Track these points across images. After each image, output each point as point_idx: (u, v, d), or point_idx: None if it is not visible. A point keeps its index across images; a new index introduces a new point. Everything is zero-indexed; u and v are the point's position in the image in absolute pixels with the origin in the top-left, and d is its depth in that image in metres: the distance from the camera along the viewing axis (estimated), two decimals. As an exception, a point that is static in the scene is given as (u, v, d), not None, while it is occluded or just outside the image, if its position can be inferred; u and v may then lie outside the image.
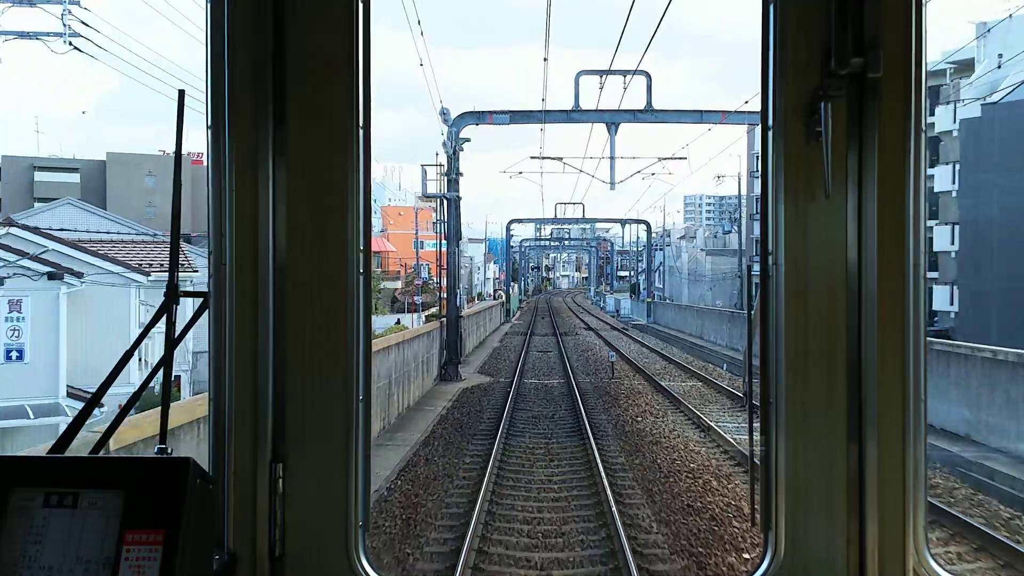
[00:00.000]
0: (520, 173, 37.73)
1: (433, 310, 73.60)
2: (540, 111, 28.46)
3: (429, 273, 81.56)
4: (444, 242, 29.66)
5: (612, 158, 29.25)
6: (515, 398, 23.33)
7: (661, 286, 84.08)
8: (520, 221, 67.21)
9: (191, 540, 1.68)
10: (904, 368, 2.03)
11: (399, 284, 71.37)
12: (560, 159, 32.14)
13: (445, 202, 29.36)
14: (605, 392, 25.11)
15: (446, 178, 29.07)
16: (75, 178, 77.71)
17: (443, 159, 29.35)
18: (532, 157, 32.49)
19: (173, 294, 2.10)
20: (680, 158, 33.12)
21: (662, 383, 26.38)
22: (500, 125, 28.83)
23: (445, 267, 29.74)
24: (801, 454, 2.07)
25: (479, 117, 28.99)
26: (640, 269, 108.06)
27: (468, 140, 29.27)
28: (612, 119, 28.80)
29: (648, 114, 28.69)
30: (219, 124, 2.06)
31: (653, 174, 33.47)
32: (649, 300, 62.96)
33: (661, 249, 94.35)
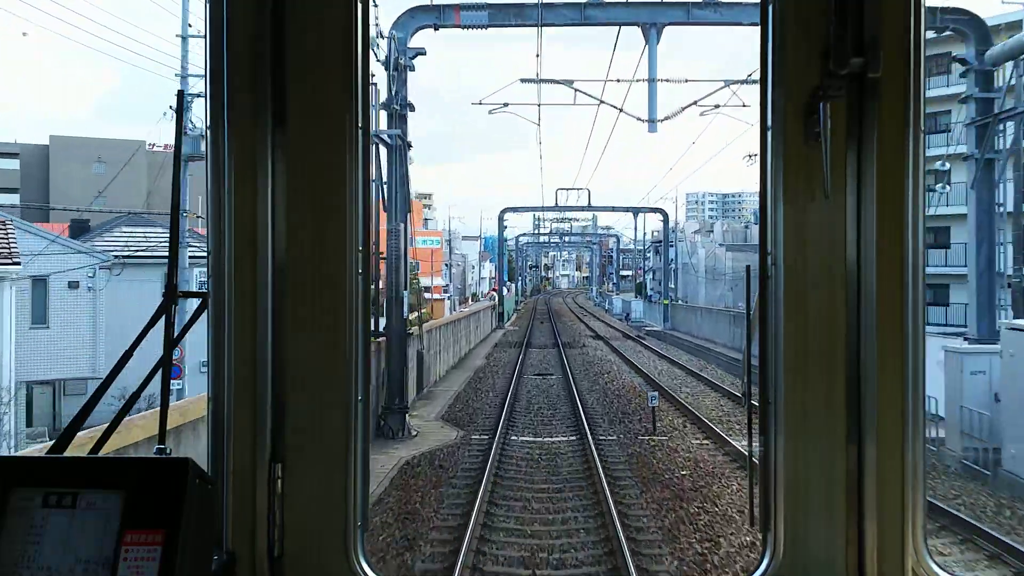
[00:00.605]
0: (505, 106, 24.69)
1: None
2: (536, 2, 16.95)
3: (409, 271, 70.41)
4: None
5: (652, 80, 17.77)
6: (490, 489, 11.95)
7: (674, 285, 72.87)
8: (515, 210, 55.85)
9: (190, 540, 1.66)
10: (903, 368, 1.99)
11: (381, 284, 60.32)
12: (570, 83, 20.54)
13: (384, 148, 17.78)
14: (649, 469, 13.79)
15: (385, 112, 17.54)
16: (14, 164, 66.15)
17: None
18: (523, 80, 20.95)
19: (172, 294, 2.09)
20: (755, 81, 21.49)
21: (735, 444, 14.99)
22: (475, 29, 17.31)
23: (383, 253, 18.23)
24: (800, 454, 2.03)
25: (440, 15, 17.54)
26: (648, 267, 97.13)
27: (422, 52, 17.81)
28: (652, 17, 17.34)
29: (708, 9, 17.21)
30: (218, 124, 2.02)
31: (717, 106, 21.84)
32: (667, 302, 51.73)
33: (673, 245, 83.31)
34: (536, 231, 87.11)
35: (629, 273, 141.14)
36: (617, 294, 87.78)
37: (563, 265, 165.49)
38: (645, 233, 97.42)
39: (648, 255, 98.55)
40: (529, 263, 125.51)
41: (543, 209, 54.84)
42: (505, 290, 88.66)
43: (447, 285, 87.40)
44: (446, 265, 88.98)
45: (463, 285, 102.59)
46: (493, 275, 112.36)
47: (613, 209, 54.83)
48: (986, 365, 14.22)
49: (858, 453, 2.01)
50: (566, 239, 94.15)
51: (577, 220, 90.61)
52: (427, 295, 73.87)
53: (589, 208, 51.79)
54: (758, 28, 2.04)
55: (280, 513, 2.03)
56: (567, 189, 53.45)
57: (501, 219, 54.53)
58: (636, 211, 55.84)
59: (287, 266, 2.04)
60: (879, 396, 1.98)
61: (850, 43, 1.91)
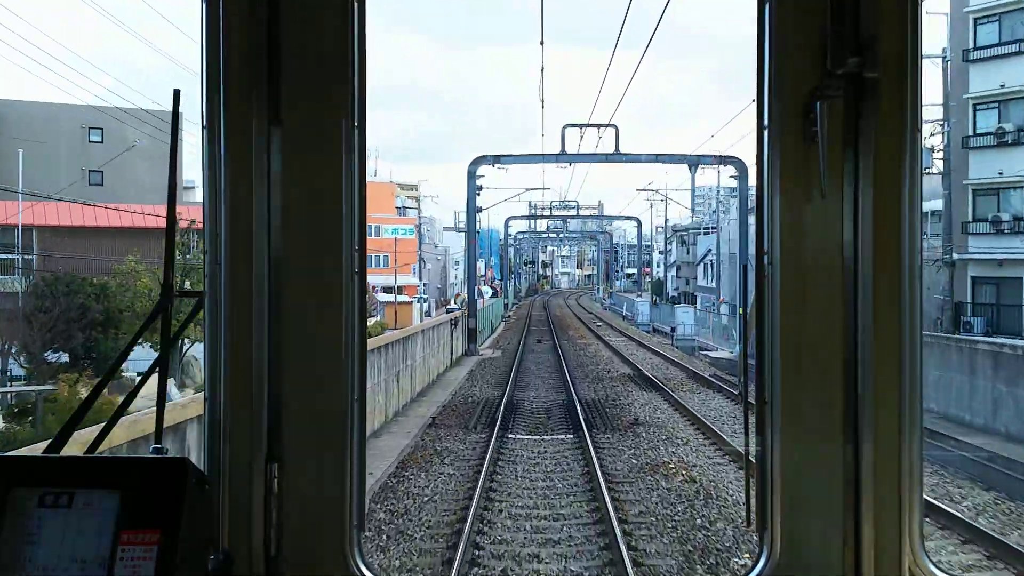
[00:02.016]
0: None
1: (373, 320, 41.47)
2: None
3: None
4: None
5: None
6: None
7: (714, 284, 52.11)
8: (497, 161, 32.99)
9: (187, 540, 1.66)
10: (900, 367, 1.96)
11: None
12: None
13: None
14: None
15: None
16: None
17: None
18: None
19: (168, 293, 2.04)
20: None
21: None
22: None
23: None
24: (797, 453, 2.00)
25: None
26: (672, 261, 75.45)
27: None
28: None
29: None
30: (214, 123, 1.98)
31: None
32: (744, 311, 28.83)
33: (705, 231, 62.01)
34: (532, 214, 64.21)
35: (635, 271, 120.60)
36: (637, 295, 64.96)
37: (562, 262, 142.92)
38: (665, 221, 74.89)
39: (670, 246, 76.61)
40: (525, 259, 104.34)
41: (543, 160, 32.07)
42: (489, 289, 65.87)
43: (424, 284, 65.93)
44: (422, 259, 67.42)
45: (444, 284, 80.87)
46: (483, 272, 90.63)
47: (656, 159, 32.08)
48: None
49: (855, 452, 1.98)
50: (568, 226, 71.25)
51: (575, 201, 67.44)
52: (389, 296, 52.64)
53: (615, 158, 28.99)
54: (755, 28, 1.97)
55: (276, 513, 1.98)
56: (580, 126, 30.79)
57: (473, 176, 31.68)
58: (695, 162, 33.27)
59: (283, 265, 2.00)
60: (875, 395, 1.96)
61: (847, 43, 1.89)
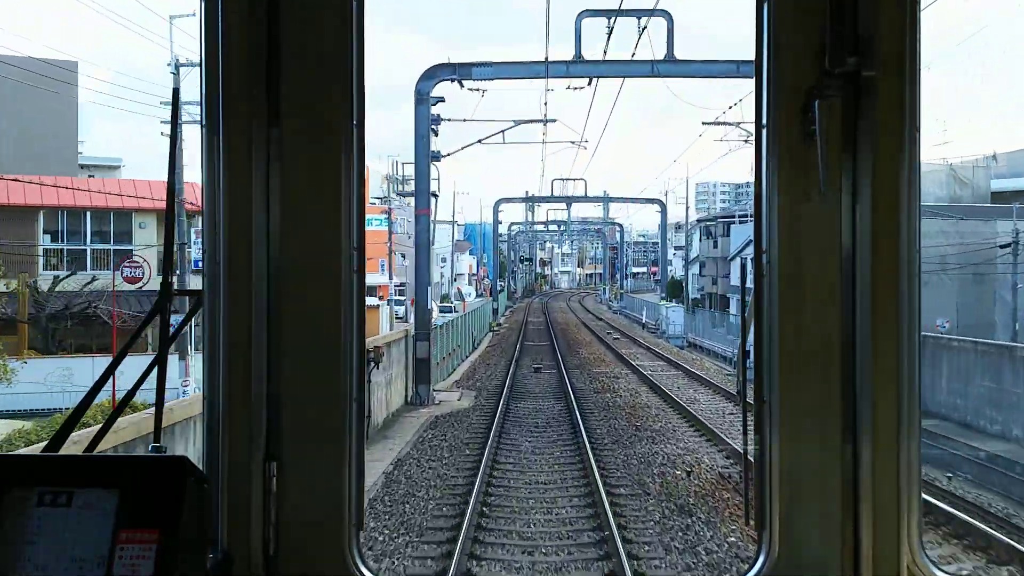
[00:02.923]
0: None
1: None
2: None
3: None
4: None
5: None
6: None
7: (755, 286, 35.23)
8: (467, 73, 19.83)
9: (185, 539, 1.65)
10: (898, 367, 1.94)
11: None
12: None
13: None
14: None
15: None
16: None
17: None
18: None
19: (166, 292, 2.03)
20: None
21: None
22: None
23: None
24: (796, 452, 1.99)
25: None
26: (694, 256, 62.78)
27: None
28: None
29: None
30: (213, 122, 1.98)
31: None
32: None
33: (741, 220, 50.01)
34: (530, 197, 51.22)
35: (642, 270, 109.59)
36: (667, 302, 51.81)
37: (563, 260, 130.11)
38: (687, 208, 61.72)
39: (691, 238, 63.65)
40: (521, 256, 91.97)
41: (544, 72, 18.72)
42: (472, 289, 53.08)
43: (400, 284, 52.97)
44: (401, 255, 54.44)
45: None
46: (474, 271, 77.13)
47: (736, 71, 18.69)
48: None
49: (853, 451, 1.96)
50: (571, 212, 57.93)
51: (582, 179, 54.68)
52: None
53: (664, 68, 15.62)
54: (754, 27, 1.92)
55: (275, 512, 1.96)
56: (608, 14, 17.69)
57: (424, 101, 18.13)
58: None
59: (281, 264, 1.98)
60: (874, 394, 1.93)
61: (845, 42, 1.87)
